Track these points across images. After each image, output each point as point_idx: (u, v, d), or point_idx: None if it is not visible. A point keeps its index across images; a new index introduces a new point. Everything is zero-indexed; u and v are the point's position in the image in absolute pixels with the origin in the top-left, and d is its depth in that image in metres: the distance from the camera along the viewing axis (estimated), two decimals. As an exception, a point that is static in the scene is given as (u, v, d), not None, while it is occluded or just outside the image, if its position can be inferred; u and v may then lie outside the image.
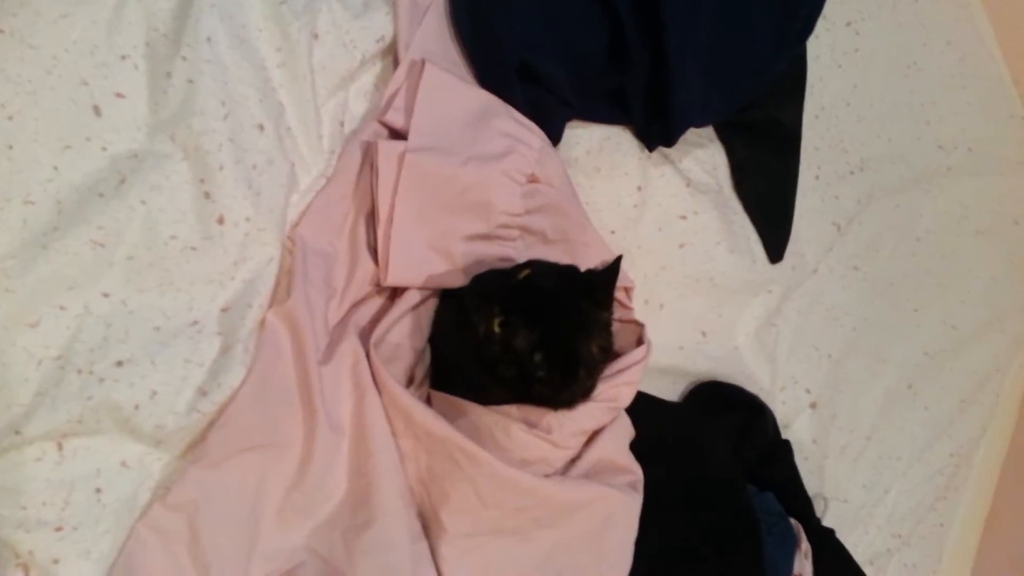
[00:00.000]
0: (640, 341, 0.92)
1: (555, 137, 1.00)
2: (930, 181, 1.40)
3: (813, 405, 1.25)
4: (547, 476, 0.85)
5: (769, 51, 1.10)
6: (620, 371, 0.87)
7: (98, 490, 0.72)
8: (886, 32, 1.37)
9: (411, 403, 0.81)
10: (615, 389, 0.86)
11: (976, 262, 1.45)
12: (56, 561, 0.70)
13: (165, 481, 0.76)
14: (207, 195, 0.78)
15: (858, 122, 1.33)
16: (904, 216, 1.37)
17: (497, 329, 0.77)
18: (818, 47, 1.28)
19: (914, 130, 1.40)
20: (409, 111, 0.87)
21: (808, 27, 1.17)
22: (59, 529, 0.70)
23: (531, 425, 0.85)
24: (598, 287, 0.82)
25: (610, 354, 0.85)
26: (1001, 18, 1.50)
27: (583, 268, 0.93)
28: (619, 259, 0.82)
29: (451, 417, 0.83)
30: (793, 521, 1.06)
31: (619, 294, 0.94)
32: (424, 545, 0.81)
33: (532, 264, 0.82)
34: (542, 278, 0.80)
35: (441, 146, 0.86)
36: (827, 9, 1.17)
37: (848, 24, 1.34)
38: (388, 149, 0.85)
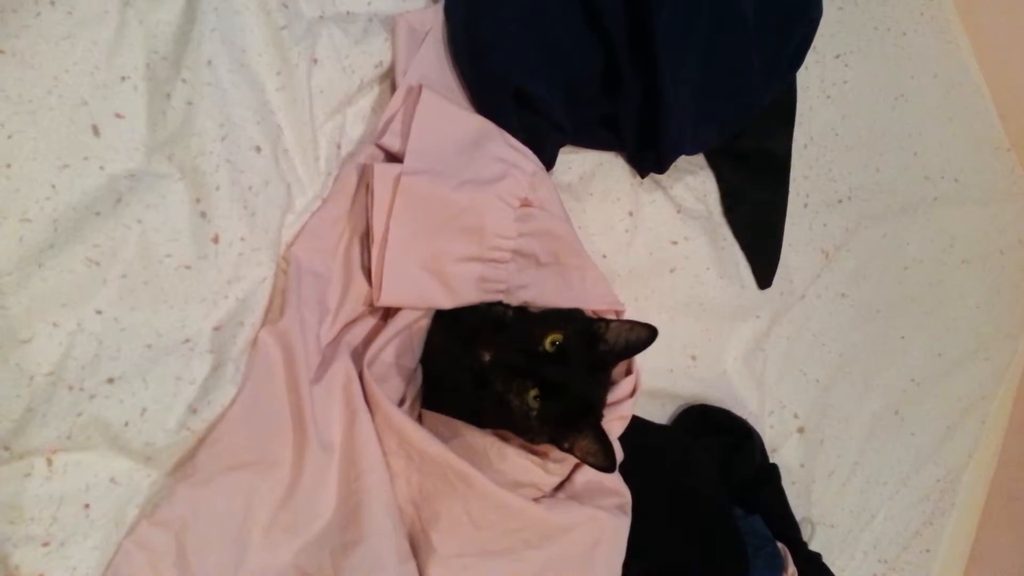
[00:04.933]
0: (629, 370, 0.93)
1: (549, 162, 1.01)
2: (917, 211, 1.43)
3: (801, 430, 1.26)
4: (536, 499, 0.86)
5: (759, 81, 1.12)
6: (612, 404, 0.88)
7: (86, 506, 0.72)
8: (874, 64, 1.40)
9: (405, 422, 0.81)
10: (608, 424, 0.87)
11: (962, 291, 1.48)
12: (42, 576, 0.70)
13: (154, 498, 0.76)
14: (203, 215, 0.79)
15: (846, 152, 1.36)
16: (891, 245, 1.39)
17: (534, 404, 0.78)
18: (808, 78, 1.31)
19: (901, 160, 1.42)
20: (405, 135, 0.88)
21: (798, 58, 1.19)
22: (46, 544, 0.70)
23: (526, 448, 0.86)
24: (622, 351, 0.84)
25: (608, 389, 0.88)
26: (986, 52, 1.53)
27: (576, 291, 0.94)
28: (655, 332, 0.83)
29: (444, 437, 0.83)
30: (780, 545, 1.07)
31: (610, 317, 0.95)
32: (412, 565, 0.81)
33: (557, 328, 0.81)
34: (569, 347, 0.80)
35: (436, 170, 0.88)
36: (817, 41, 1.19)
37: (837, 56, 1.37)
38: (384, 172, 0.86)
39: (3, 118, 0.70)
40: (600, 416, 0.85)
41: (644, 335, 0.84)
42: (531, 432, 0.82)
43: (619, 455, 0.93)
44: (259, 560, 0.77)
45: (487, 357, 0.79)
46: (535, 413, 0.79)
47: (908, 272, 1.41)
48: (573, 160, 1.09)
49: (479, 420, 0.86)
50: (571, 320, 0.87)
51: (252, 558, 0.77)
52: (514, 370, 0.79)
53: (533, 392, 0.78)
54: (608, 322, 0.86)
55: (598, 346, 0.84)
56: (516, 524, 0.83)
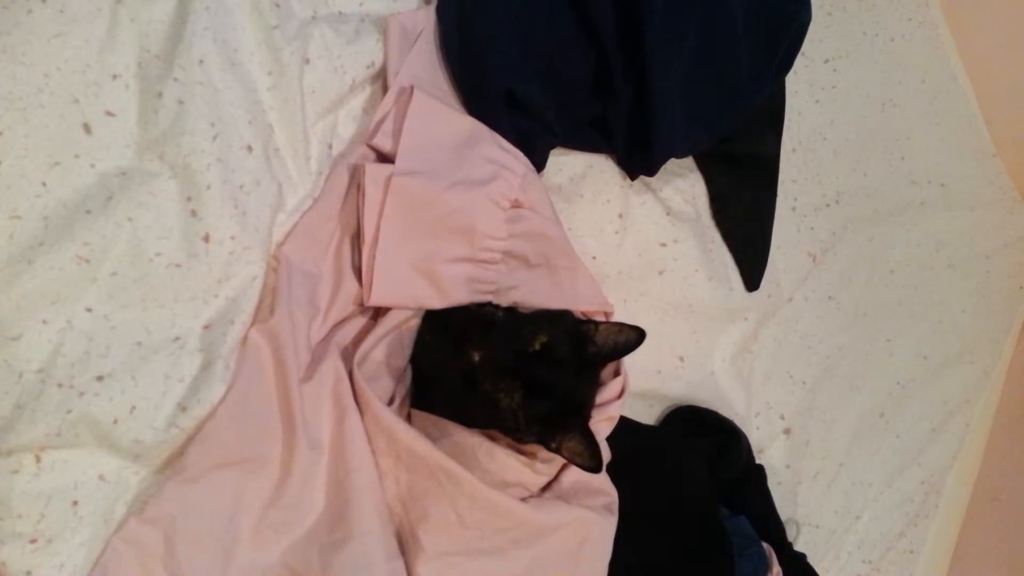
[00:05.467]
0: (617, 372, 0.93)
1: (539, 164, 1.02)
2: (903, 215, 1.44)
3: (787, 431, 1.27)
4: (524, 499, 0.87)
5: (749, 85, 1.13)
6: (600, 406, 0.89)
7: (75, 503, 0.72)
8: (863, 70, 1.42)
9: (395, 422, 0.82)
10: (596, 424, 0.87)
11: (947, 295, 1.49)
12: (29, 573, 0.70)
13: (142, 495, 0.76)
14: (194, 213, 0.79)
15: (834, 156, 1.37)
16: (878, 248, 1.40)
17: (521, 404, 0.79)
18: (796, 82, 1.32)
19: (888, 165, 1.44)
20: (397, 136, 0.88)
21: (787, 63, 1.20)
22: (34, 541, 0.70)
23: (514, 448, 0.86)
24: (610, 352, 0.85)
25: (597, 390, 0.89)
26: (974, 58, 1.55)
27: (566, 292, 0.95)
28: (643, 334, 0.84)
29: (433, 437, 0.84)
30: (765, 545, 1.08)
31: (599, 319, 0.95)
32: (400, 563, 0.82)
33: (546, 329, 0.82)
34: (558, 347, 0.81)
35: (427, 170, 0.88)
36: (806, 46, 1.20)
37: (826, 61, 1.38)
38: (375, 172, 0.86)
39: (-6, 115, 0.70)
40: (588, 417, 0.85)
41: (633, 337, 0.84)
42: (519, 432, 0.82)
43: (606, 456, 0.94)
44: (248, 558, 0.77)
45: (476, 357, 0.80)
46: (523, 413, 0.79)
47: (894, 276, 1.42)
48: (563, 162, 1.09)
49: (468, 420, 0.86)
50: (560, 321, 0.87)
51: (241, 556, 0.77)
52: (503, 370, 0.79)
53: (521, 392, 0.79)
54: (597, 324, 0.86)
55: (587, 347, 0.84)
56: (504, 523, 0.84)
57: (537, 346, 0.81)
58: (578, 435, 0.81)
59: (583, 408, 0.85)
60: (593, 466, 0.80)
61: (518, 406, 0.79)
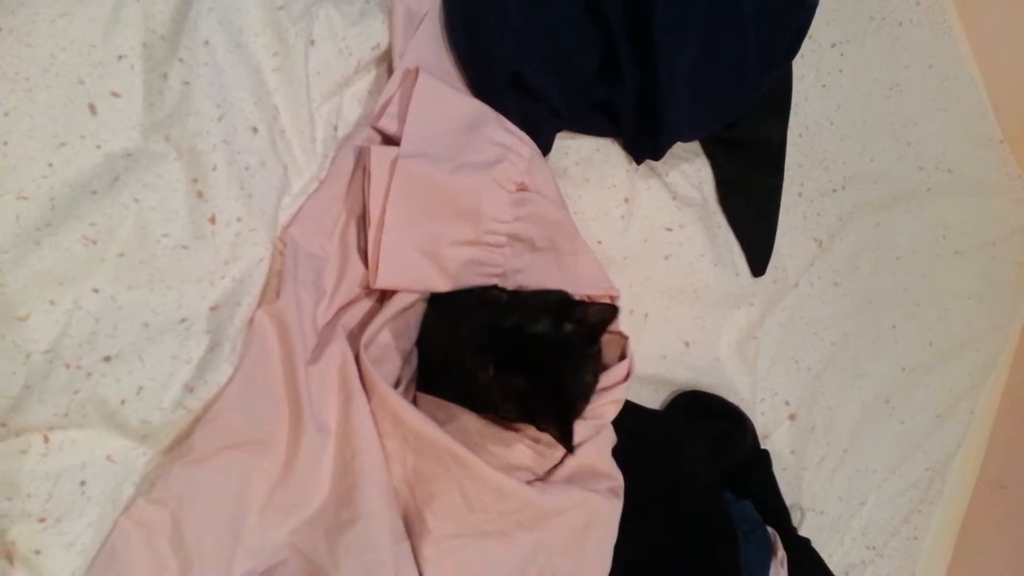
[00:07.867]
0: (623, 355, 0.93)
1: (545, 147, 1.01)
2: (910, 201, 1.44)
3: (792, 417, 1.27)
4: (530, 482, 0.87)
5: (756, 70, 1.12)
6: (605, 389, 0.89)
7: (82, 483, 0.72)
8: (870, 54, 1.41)
9: (401, 405, 0.82)
10: (601, 408, 0.88)
11: (954, 281, 1.49)
12: (38, 552, 0.70)
13: (150, 476, 0.76)
14: (200, 195, 0.79)
15: (841, 141, 1.36)
16: (884, 234, 1.40)
17: (495, 378, 0.79)
18: (803, 67, 1.31)
19: (895, 150, 1.43)
20: (402, 118, 0.88)
21: (794, 47, 1.19)
22: (42, 520, 0.70)
23: (520, 431, 0.86)
24: (590, 331, 0.84)
25: (600, 374, 0.88)
26: (981, 43, 1.53)
27: (571, 276, 0.95)
28: (616, 309, 0.84)
29: (439, 420, 0.84)
30: (770, 529, 1.08)
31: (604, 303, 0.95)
32: (406, 545, 0.82)
33: (520, 305, 0.83)
34: (530, 323, 0.82)
35: (433, 153, 0.88)
36: (813, 30, 1.19)
37: (833, 45, 1.37)
38: (381, 154, 0.86)
39: (0, 96, 0.69)
40: (583, 399, 0.85)
41: (608, 314, 0.85)
42: (495, 407, 0.83)
43: (612, 440, 0.94)
44: (254, 538, 0.78)
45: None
46: (496, 388, 0.80)
47: (901, 262, 1.42)
48: (570, 146, 1.09)
49: (473, 403, 0.86)
50: (542, 298, 0.87)
51: (247, 536, 0.77)
52: (479, 345, 0.80)
53: (492, 367, 0.79)
54: (576, 303, 0.86)
55: (563, 326, 0.84)
56: (510, 506, 0.84)
57: (512, 322, 0.81)
58: (552, 417, 0.81)
59: (567, 389, 0.84)
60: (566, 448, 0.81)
61: (490, 381, 0.79)
